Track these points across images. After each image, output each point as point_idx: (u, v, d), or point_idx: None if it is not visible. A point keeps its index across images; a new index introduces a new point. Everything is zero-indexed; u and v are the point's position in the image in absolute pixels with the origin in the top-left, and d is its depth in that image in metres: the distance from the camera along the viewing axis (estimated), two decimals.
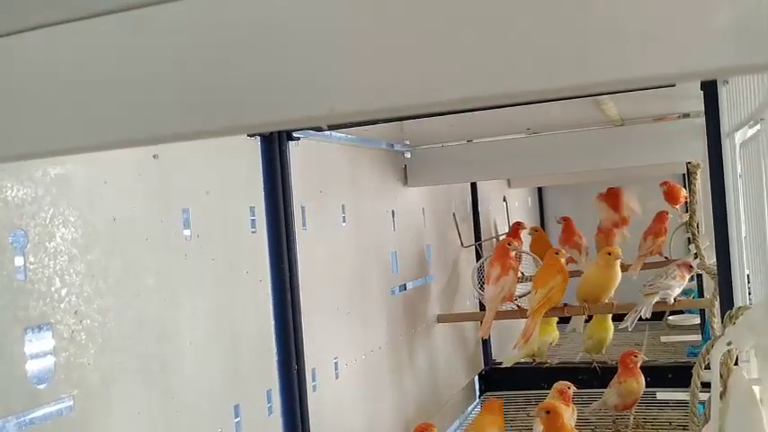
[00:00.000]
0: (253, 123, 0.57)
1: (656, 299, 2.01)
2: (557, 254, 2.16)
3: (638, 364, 1.98)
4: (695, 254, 2.10)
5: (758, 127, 0.82)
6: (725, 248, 1.17)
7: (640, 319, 2.04)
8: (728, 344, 0.77)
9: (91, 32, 0.62)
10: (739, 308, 0.91)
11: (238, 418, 1.25)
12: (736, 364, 0.97)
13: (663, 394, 2.02)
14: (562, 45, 0.49)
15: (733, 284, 1.15)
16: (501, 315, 2.23)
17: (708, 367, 0.93)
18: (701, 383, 1.04)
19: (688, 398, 1.07)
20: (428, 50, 0.50)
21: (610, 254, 2.10)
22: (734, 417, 0.85)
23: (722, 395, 0.92)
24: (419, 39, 0.50)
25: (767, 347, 0.81)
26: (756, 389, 0.85)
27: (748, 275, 1.07)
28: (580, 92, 0.51)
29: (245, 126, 0.57)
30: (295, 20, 0.54)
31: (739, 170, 1.06)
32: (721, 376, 0.91)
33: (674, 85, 1.26)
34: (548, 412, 1.62)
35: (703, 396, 1.03)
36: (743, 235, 1.07)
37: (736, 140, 1.04)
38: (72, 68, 0.63)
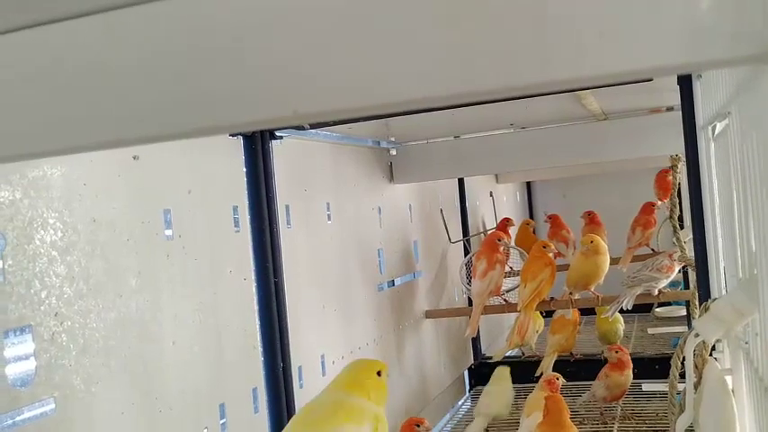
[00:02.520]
0: (218, 125, 0.57)
1: (640, 290, 2.03)
2: (544, 247, 2.17)
3: (623, 359, 2.00)
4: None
5: (726, 121, 0.83)
6: (702, 241, 1.18)
7: (623, 310, 2.06)
8: (696, 335, 0.78)
9: (66, 35, 0.62)
10: (714, 299, 0.92)
11: (224, 420, 1.26)
12: (711, 354, 0.98)
13: (649, 385, 2.03)
14: (520, 44, 0.50)
15: (710, 276, 1.16)
16: (488, 310, 2.24)
17: None
18: (681, 374, 1.06)
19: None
20: (388, 52, 0.51)
21: (591, 241, 2.12)
22: (707, 406, 0.86)
23: (697, 385, 0.93)
24: (379, 42, 0.51)
25: (736, 338, 0.82)
26: (729, 379, 0.86)
27: (724, 267, 1.08)
28: (539, 90, 0.52)
29: (211, 128, 0.58)
30: (259, 24, 0.55)
31: (713, 164, 1.07)
32: (696, 366, 0.92)
33: (651, 80, 1.28)
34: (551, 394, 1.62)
35: (683, 387, 1.04)
36: (718, 228, 1.09)
37: (709, 134, 1.06)
38: (48, 71, 0.64)
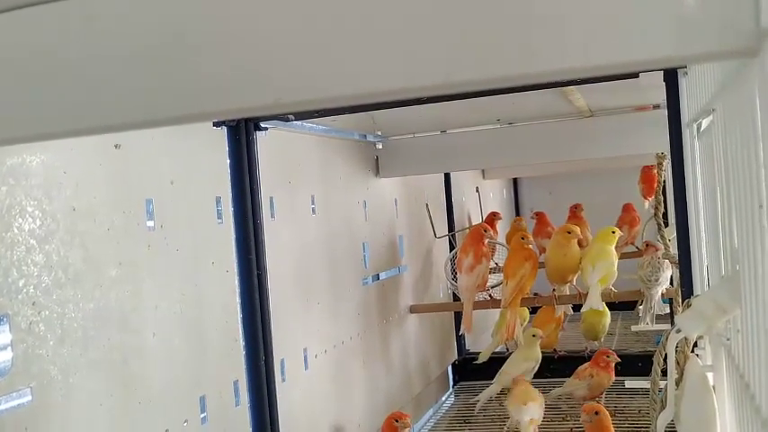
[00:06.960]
0: (200, 113, 0.57)
1: (661, 290, 2.04)
2: (523, 239, 2.17)
3: (611, 364, 2.01)
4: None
5: (710, 118, 0.83)
6: (685, 239, 1.19)
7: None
8: (677, 331, 0.78)
9: (45, 19, 0.61)
10: (696, 296, 0.92)
11: (204, 413, 1.25)
12: (693, 351, 0.98)
13: (632, 383, 2.04)
14: (506, 35, 0.49)
15: (693, 274, 1.17)
16: (474, 305, 2.24)
17: None
18: (663, 371, 1.06)
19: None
20: (372, 42, 0.51)
21: (569, 232, 2.13)
22: (688, 403, 0.86)
23: (679, 382, 0.93)
24: (363, 32, 0.51)
25: (718, 335, 0.83)
26: (710, 375, 0.86)
27: (707, 266, 1.08)
28: (524, 81, 0.52)
29: (193, 115, 0.57)
30: (245, 13, 0.54)
31: (698, 161, 1.07)
32: (678, 363, 0.92)
33: (637, 76, 1.27)
34: None
35: (665, 383, 1.04)
36: (702, 225, 1.09)
37: (694, 132, 1.06)
38: (27, 56, 0.62)
